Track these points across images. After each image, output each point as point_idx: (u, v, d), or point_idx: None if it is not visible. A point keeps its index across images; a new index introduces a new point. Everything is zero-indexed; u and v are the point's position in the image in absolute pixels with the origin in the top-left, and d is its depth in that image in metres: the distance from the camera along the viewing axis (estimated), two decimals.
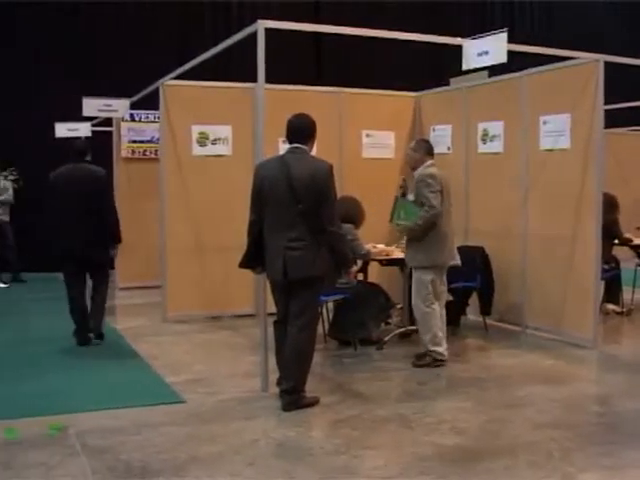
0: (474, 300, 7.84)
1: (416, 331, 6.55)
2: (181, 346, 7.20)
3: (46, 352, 6.87)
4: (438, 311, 6.28)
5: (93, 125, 10.00)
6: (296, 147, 5.17)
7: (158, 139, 9.00)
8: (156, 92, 8.31)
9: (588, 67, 6.84)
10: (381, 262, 7.35)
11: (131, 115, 10.73)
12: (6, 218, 11.06)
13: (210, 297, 8.35)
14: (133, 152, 10.89)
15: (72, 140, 8.32)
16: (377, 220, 7.34)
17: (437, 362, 6.28)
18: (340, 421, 4.94)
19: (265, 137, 5.57)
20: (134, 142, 10.91)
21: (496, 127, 8.01)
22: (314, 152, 5.35)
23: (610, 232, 7.88)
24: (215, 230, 8.24)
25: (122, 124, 10.79)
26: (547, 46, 6.65)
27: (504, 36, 5.49)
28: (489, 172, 8.10)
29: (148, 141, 10.90)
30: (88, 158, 7.25)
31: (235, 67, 11.44)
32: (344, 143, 8.75)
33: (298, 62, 12.92)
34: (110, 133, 11.01)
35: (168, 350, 7.01)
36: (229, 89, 8.44)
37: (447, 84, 8.86)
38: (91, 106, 8.83)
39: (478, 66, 5.80)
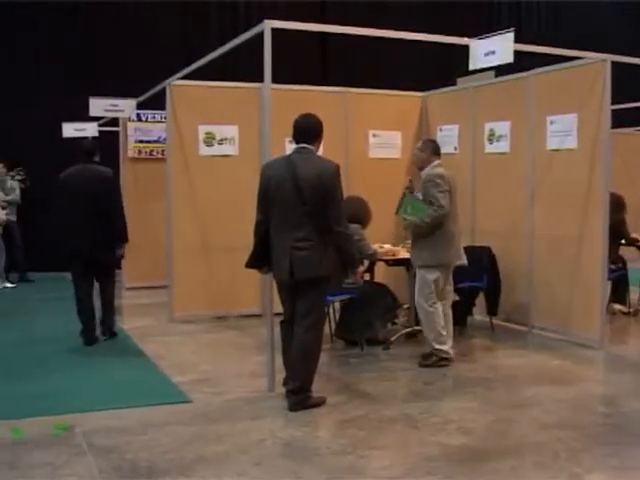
0: (481, 300, 7.84)
1: (422, 331, 6.54)
2: (188, 346, 7.21)
3: (53, 352, 6.89)
4: (441, 310, 6.28)
5: (99, 125, 10.03)
6: (303, 147, 5.16)
7: (165, 139, 9.00)
8: (163, 92, 8.32)
9: (595, 67, 6.82)
10: (388, 262, 7.34)
11: (138, 115, 10.74)
12: (13, 218, 11.08)
13: (217, 297, 8.36)
14: (140, 152, 10.90)
15: (79, 140, 8.36)
16: (384, 220, 7.33)
17: (442, 361, 6.27)
18: (346, 421, 4.94)
19: (271, 137, 5.57)
20: (141, 142, 10.91)
21: (503, 127, 8.00)
22: (320, 152, 5.34)
23: (617, 232, 7.85)
24: (222, 230, 8.23)
25: (129, 124, 10.80)
26: (554, 46, 6.64)
27: (511, 36, 5.49)
28: (496, 172, 8.08)
29: (155, 141, 10.90)
30: (96, 158, 7.28)
31: (242, 67, 11.43)
32: (350, 143, 8.74)
33: (304, 62, 12.94)
34: (117, 133, 11.04)
35: (175, 350, 7.02)
36: (236, 89, 8.44)
37: (454, 84, 8.86)
38: (98, 106, 8.84)
39: (485, 66, 5.80)
